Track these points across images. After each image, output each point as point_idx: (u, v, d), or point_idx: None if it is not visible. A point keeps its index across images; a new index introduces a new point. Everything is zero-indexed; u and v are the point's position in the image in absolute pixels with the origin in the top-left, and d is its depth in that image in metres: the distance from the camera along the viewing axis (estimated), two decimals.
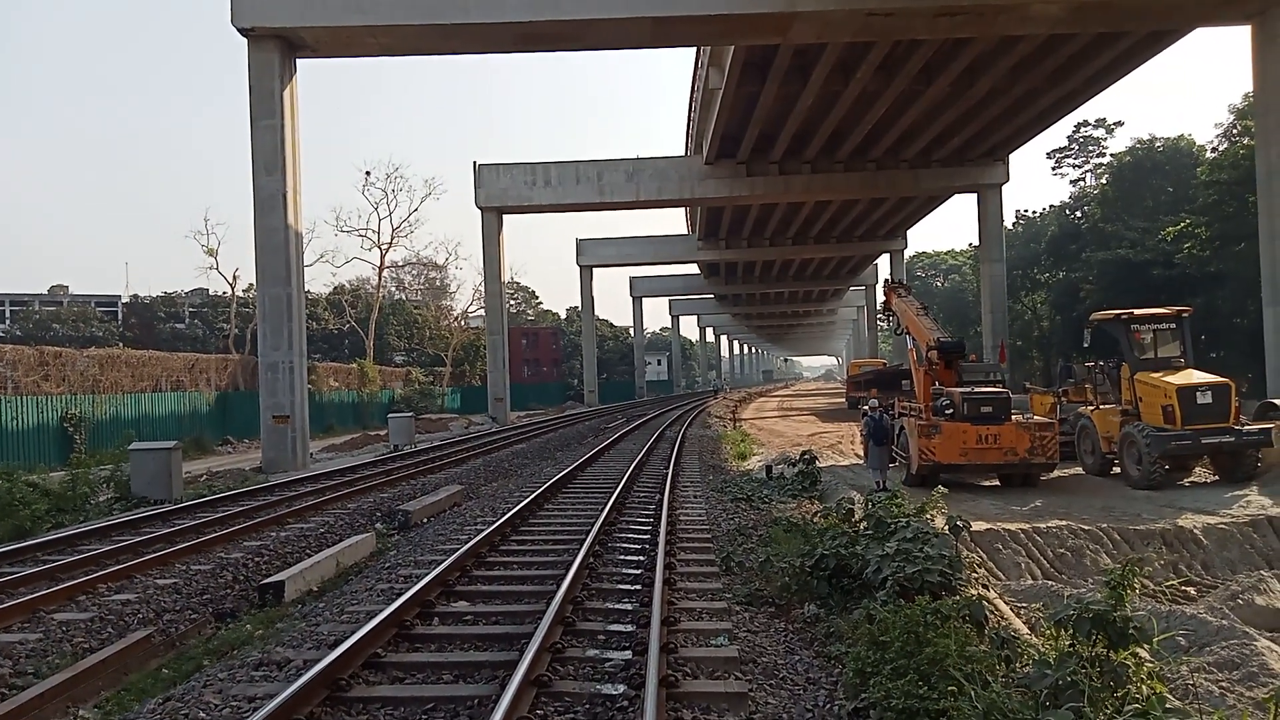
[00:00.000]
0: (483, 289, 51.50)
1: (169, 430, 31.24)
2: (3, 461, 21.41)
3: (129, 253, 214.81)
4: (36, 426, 26.57)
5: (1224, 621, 8.51)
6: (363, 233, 72.45)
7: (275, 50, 23.65)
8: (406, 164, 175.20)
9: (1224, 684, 6.97)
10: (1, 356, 29.49)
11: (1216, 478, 16.95)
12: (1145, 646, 5.42)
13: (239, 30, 23.38)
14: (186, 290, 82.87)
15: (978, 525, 12.34)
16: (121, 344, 53.65)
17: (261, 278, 24.24)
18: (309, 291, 49.86)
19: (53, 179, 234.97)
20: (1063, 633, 5.68)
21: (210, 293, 78.63)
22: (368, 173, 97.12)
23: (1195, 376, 16.58)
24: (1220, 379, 16.58)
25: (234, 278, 56.63)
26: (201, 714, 6.04)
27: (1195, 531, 12.77)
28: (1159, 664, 5.78)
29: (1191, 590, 11.21)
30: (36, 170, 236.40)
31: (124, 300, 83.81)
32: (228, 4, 23.10)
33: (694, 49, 36.51)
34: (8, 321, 79.08)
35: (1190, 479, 17.22)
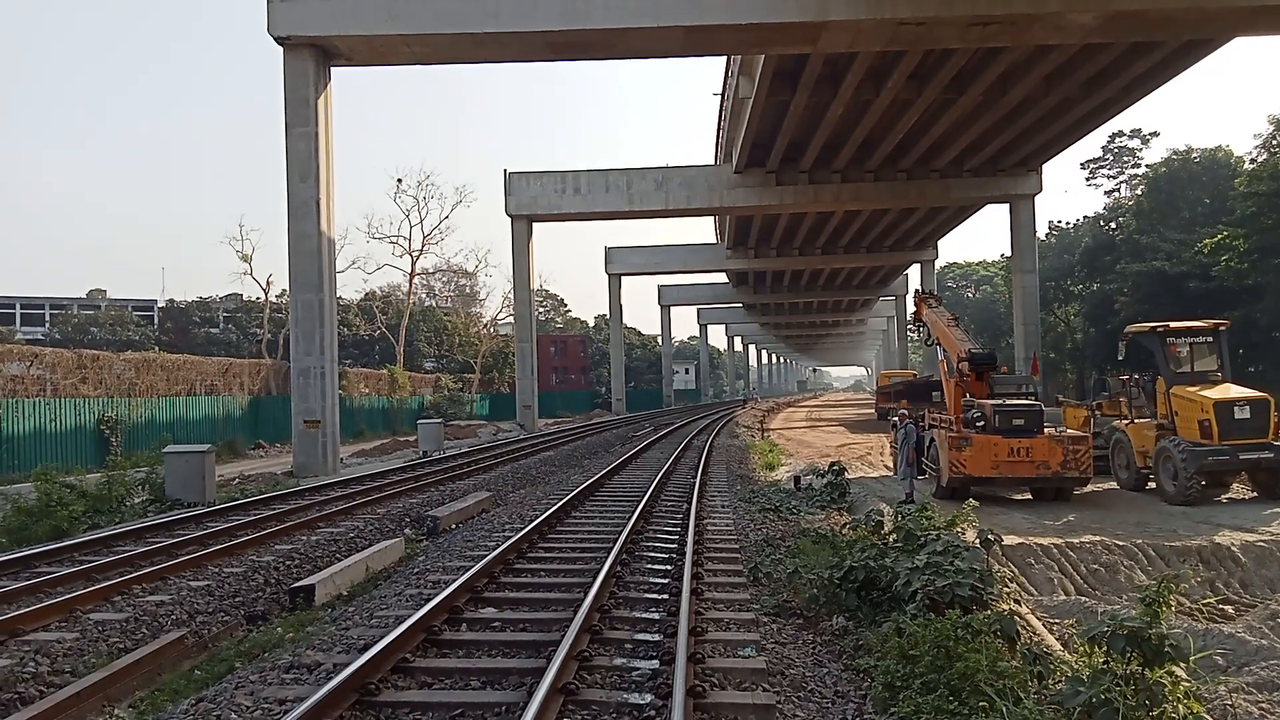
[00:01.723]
0: (512, 296, 51.77)
1: (203, 433, 31.76)
2: (41, 463, 21.75)
3: (165, 258, 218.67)
4: (74, 428, 27.08)
5: (1263, 641, 8.34)
6: (394, 239, 73.58)
7: (310, 59, 24.02)
8: (438, 171, 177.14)
9: (1264, 705, 6.82)
10: (41, 359, 30.05)
11: (1255, 494, 16.64)
12: (1181, 665, 5.34)
13: (275, 39, 23.76)
14: (221, 295, 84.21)
15: (1009, 539, 12.21)
16: (157, 348, 54.41)
17: (294, 283, 24.55)
18: (341, 297, 50.43)
19: (92, 185, 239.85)
20: (1097, 649, 5.60)
21: (244, 298, 79.88)
22: (399, 180, 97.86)
23: (1233, 391, 16.30)
24: (1259, 394, 16.29)
25: (267, 283, 57.38)
26: (233, 715, 6.12)
27: (1233, 549, 12.52)
28: (1196, 683, 5.69)
29: (1229, 609, 10.99)
30: (77, 177, 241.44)
31: (160, 305, 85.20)
32: (264, 13, 23.52)
33: (725, 58, 36.55)
34: (47, 325, 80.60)
35: (1227, 495, 16.91)
